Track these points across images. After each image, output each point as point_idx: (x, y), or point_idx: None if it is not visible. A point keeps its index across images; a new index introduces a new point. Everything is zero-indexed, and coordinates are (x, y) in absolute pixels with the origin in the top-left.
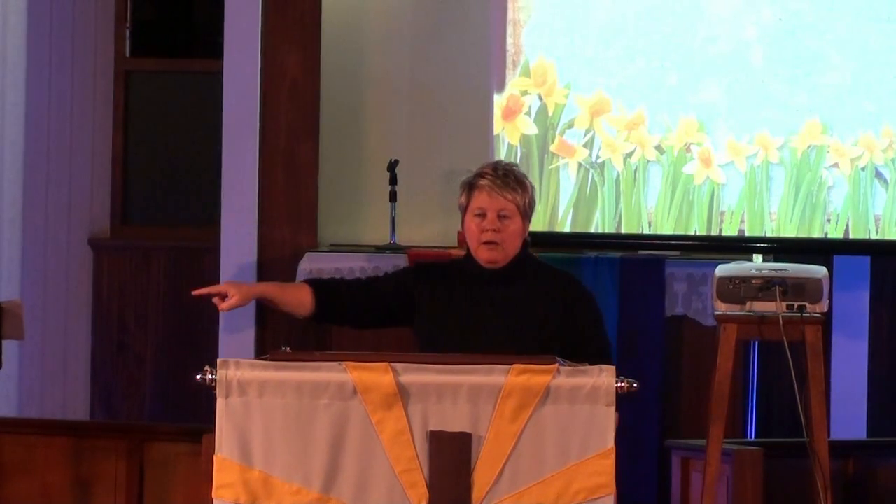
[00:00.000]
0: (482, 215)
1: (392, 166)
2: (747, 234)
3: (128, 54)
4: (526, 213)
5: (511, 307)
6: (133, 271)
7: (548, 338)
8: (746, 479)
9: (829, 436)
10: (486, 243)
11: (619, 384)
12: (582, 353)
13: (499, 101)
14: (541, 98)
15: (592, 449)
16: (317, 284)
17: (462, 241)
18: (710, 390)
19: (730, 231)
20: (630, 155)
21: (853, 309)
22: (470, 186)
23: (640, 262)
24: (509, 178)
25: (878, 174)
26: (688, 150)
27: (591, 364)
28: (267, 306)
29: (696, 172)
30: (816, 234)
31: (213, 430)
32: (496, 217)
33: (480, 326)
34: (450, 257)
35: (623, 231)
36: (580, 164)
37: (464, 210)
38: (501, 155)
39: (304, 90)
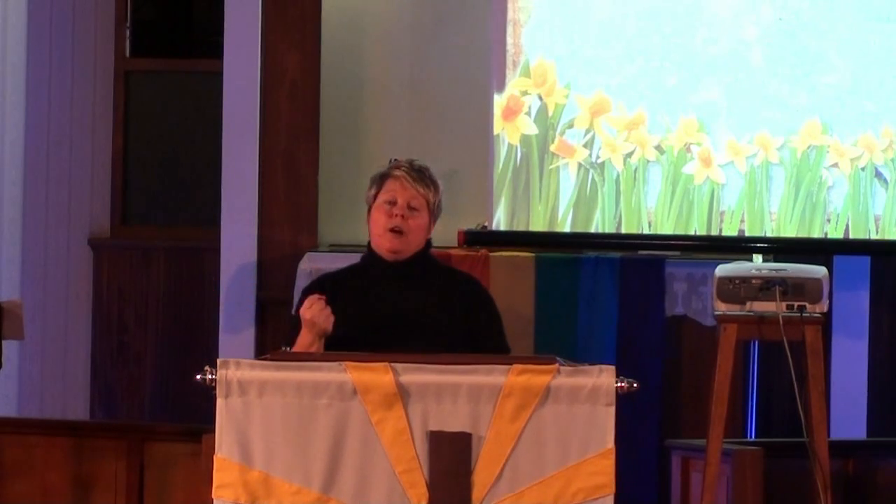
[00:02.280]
0: (392, 203)
1: None
2: (747, 234)
3: (128, 54)
4: (433, 211)
5: (416, 306)
6: (133, 271)
7: (450, 337)
8: (746, 479)
9: (829, 436)
10: (392, 230)
11: (619, 384)
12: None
13: (499, 101)
14: (541, 98)
15: (592, 449)
16: None
17: (462, 241)
18: (710, 390)
19: (730, 231)
20: (630, 155)
21: (853, 309)
22: (382, 177)
23: (640, 262)
24: (423, 174)
25: (878, 174)
26: (688, 150)
27: None
28: (267, 306)
29: (696, 172)
30: (816, 234)
31: (213, 430)
32: (406, 206)
33: (392, 325)
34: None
35: (623, 231)
36: (580, 164)
37: (371, 202)
38: (502, 155)
39: (304, 90)
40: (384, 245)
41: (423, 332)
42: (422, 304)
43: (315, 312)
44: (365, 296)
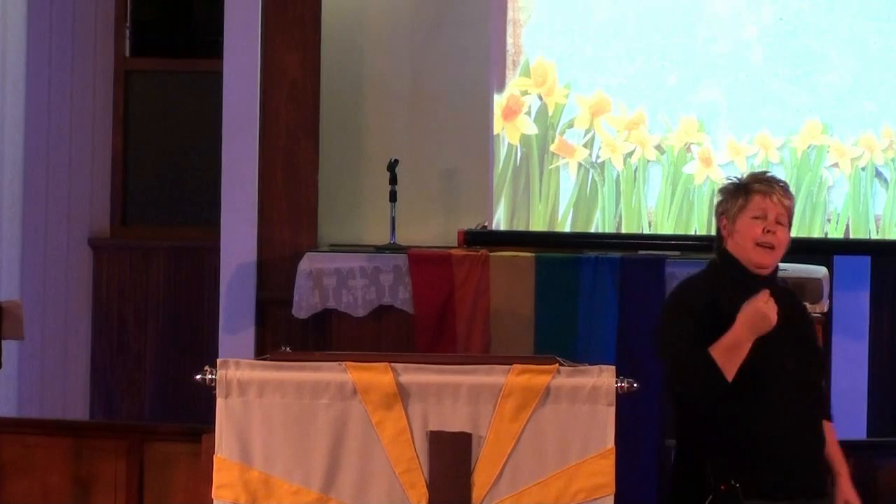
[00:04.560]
0: (762, 218)
1: (392, 166)
2: None
3: (128, 54)
4: (790, 224)
5: (787, 318)
6: (133, 271)
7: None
8: None
9: None
10: (763, 245)
11: (619, 384)
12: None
13: (499, 101)
14: (541, 98)
15: (592, 449)
16: None
17: (462, 241)
18: None
19: None
20: (630, 155)
21: (853, 309)
22: (746, 190)
23: (640, 262)
24: (785, 187)
25: (879, 174)
26: (688, 150)
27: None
28: (267, 306)
29: (696, 172)
30: (816, 234)
31: (213, 430)
32: (774, 221)
33: (780, 339)
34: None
35: (623, 231)
36: (580, 164)
37: (737, 212)
38: (501, 155)
39: (304, 90)
40: (754, 259)
41: (805, 344)
42: (790, 318)
43: (771, 307)
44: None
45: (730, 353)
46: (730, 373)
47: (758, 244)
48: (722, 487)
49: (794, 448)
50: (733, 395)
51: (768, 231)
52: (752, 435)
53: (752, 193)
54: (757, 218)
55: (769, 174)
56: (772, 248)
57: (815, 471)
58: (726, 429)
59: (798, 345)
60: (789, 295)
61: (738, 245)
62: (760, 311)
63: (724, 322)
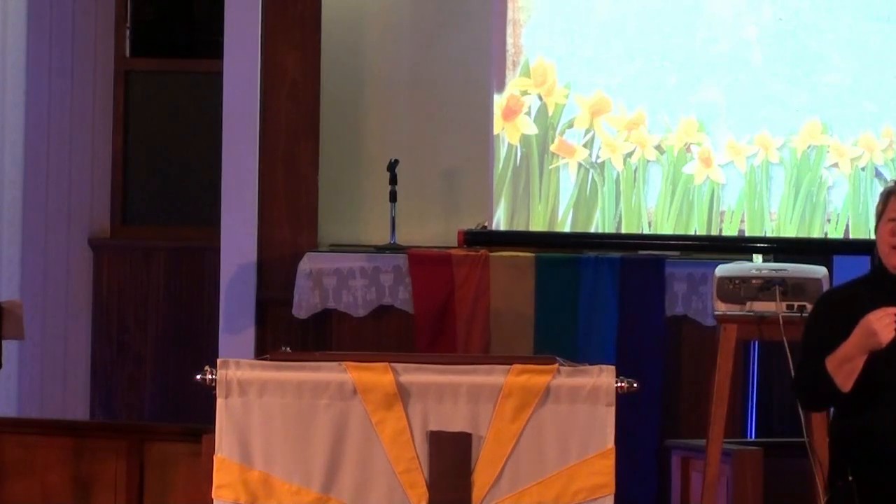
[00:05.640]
0: (894, 220)
1: (392, 166)
2: (747, 234)
3: (128, 54)
4: None
5: None
6: (133, 271)
7: None
8: (746, 479)
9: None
10: (895, 248)
11: (618, 384)
12: None
13: (499, 101)
14: (541, 98)
15: (592, 449)
16: None
17: (462, 241)
18: (710, 390)
19: (730, 231)
20: (630, 155)
21: None
22: (887, 194)
23: (640, 262)
24: None
25: (878, 174)
26: (688, 150)
27: None
28: (267, 306)
29: (696, 172)
30: (816, 234)
31: (213, 430)
32: None
33: None
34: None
35: (623, 231)
36: (580, 164)
37: (878, 218)
38: (501, 155)
39: (304, 90)
40: (891, 261)
41: None
42: None
43: (884, 325)
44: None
45: (842, 364)
46: (844, 383)
47: (893, 247)
48: (839, 484)
49: None
50: (851, 406)
51: None
52: (866, 447)
53: (890, 196)
54: (893, 220)
55: None
56: None
57: None
58: (844, 439)
59: None
60: None
61: (879, 250)
62: (871, 327)
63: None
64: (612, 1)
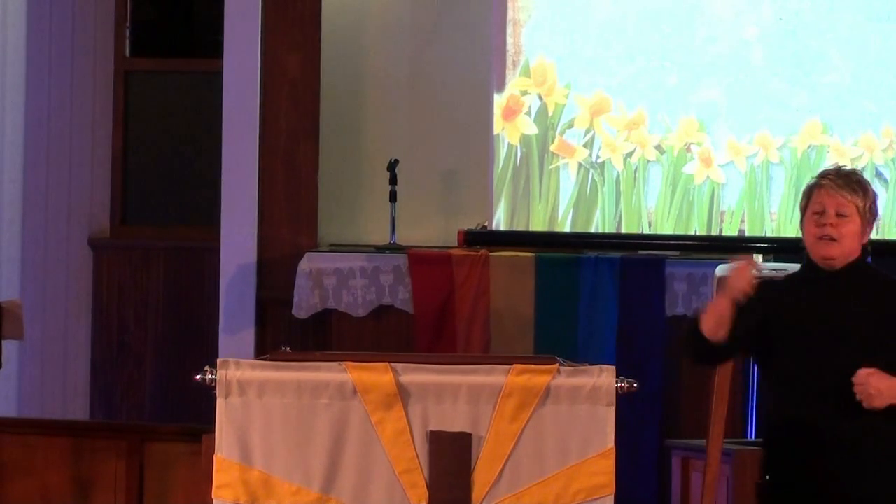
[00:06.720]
0: (821, 213)
1: (392, 166)
2: (747, 234)
3: (128, 54)
4: (865, 217)
5: (848, 317)
6: (133, 271)
7: (883, 351)
8: (746, 479)
9: None
10: (821, 238)
11: (619, 384)
12: None
13: (499, 101)
14: (541, 98)
15: (592, 449)
16: None
17: (462, 241)
18: (710, 390)
19: (730, 231)
20: (630, 155)
21: None
22: (810, 189)
23: (640, 262)
24: (850, 180)
25: (878, 174)
26: (688, 150)
27: None
28: (267, 306)
29: (696, 172)
30: None
31: (213, 430)
32: (834, 214)
33: (824, 336)
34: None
35: (623, 231)
36: (580, 164)
37: (803, 212)
38: (501, 155)
39: (304, 90)
40: (818, 253)
41: (854, 345)
42: (855, 316)
43: (734, 275)
44: (798, 304)
45: (711, 313)
46: (715, 334)
47: (818, 238)
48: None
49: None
50: (777, 383)
51: (824, 224)
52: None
53: (813, 190)
54: (817, 213)
55: (840, 167)
56: (832, 239)
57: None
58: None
59: (852, 340)
60: (877, 294)
61: (806, 242)
62: (728, 279)
63: (781, 315)
64: (612, 1)
